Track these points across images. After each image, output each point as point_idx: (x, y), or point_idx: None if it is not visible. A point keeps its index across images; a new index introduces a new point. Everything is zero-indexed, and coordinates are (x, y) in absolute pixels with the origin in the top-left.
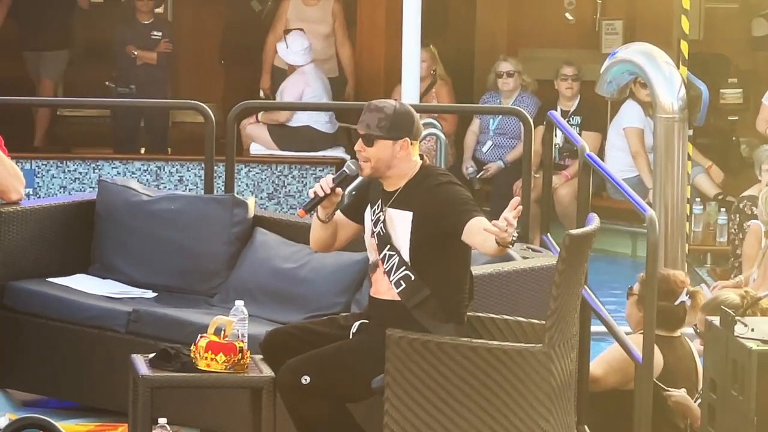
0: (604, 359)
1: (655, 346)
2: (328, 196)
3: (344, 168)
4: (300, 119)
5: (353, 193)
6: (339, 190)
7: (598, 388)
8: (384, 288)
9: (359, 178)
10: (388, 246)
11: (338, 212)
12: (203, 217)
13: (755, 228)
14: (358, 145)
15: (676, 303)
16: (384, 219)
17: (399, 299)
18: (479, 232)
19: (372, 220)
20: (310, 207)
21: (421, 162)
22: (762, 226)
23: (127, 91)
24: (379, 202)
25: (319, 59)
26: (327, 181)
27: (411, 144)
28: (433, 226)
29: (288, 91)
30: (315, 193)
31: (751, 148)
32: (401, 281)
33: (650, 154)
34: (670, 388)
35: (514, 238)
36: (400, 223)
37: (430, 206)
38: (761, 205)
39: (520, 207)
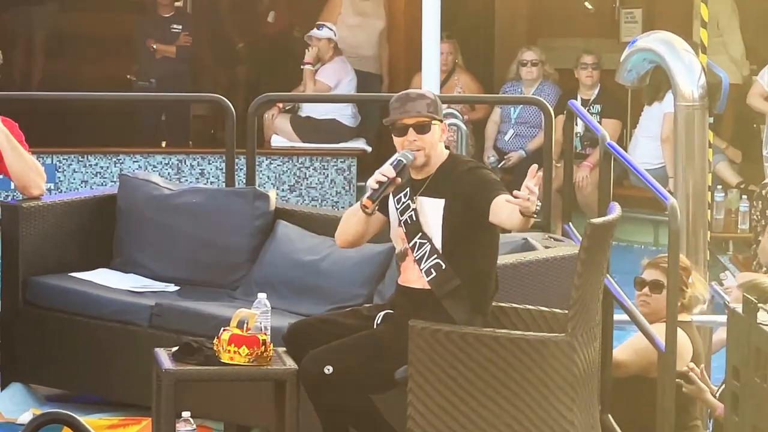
0: (630, 345)
1: (685, 334)
2: (390, 184)
3: (400, 157)
4: (326, 111)
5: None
6: (399, 179)
7: (621, 373)
8: (414, 276)
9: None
10: (420, 234)
11: None
12: (225, 210)
13: None
14: (411, 135)
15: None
16: (414, 207)
17: (429, 288)
18: (504, 207)
19: (398, 209)
20: (378, 196)
21: (448, 151)
22: None
23: (147, 84)
24: (408, 190)
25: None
26: (388, 169)
27: None
28: (464, 209)
29: (326, 74)
30: (378, 182)
31: None
32: (432, 270)
33: None
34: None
35: (537, 207)
36: (432, 211)
37: (461, 190)
38: None
39: (540, 174)
